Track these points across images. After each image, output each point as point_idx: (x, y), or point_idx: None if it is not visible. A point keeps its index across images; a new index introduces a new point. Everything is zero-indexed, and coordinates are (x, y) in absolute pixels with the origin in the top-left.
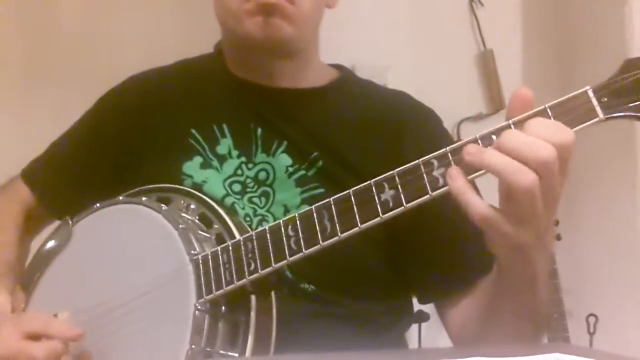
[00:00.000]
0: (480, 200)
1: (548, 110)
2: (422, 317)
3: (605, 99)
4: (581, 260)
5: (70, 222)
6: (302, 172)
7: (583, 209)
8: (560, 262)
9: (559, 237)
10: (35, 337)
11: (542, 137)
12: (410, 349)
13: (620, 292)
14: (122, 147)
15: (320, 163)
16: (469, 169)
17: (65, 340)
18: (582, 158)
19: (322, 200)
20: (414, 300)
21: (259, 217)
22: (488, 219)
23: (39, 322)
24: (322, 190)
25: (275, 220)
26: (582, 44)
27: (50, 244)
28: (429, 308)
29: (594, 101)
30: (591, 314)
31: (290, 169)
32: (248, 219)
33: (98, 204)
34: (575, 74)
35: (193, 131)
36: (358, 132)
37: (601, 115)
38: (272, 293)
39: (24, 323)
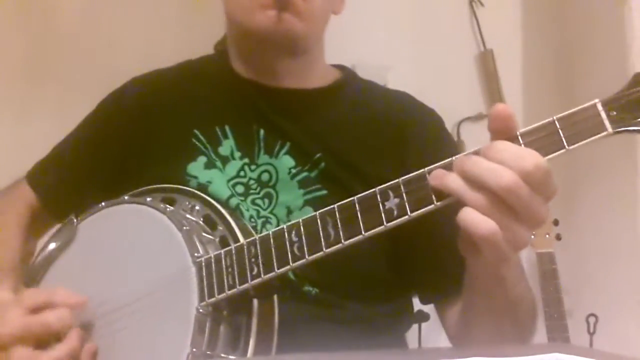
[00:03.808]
0: (487, 218)
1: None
2: (422, 317)
3: (615, 113)
4: (581, 260)
5: (75, 221)
6: (305, 173)
7: (583, 209)
8: (560, 262)
9: (559, 237)
10: (39, 310)
11: (503, 162)
12: (410, 349)
13: (620, 292)
14: (125, 149)
15: (323, 164)
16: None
17: (71, 307)
18: (582, 159)
19: (324, 202)
20: (414, 301)
21: (263, 219)
22: (496, 236)
23: (41, 294)
24: (325, 192)
25: (278, 221)
26: (582, 44)
27: (55, 242)
28: (429, 308)
29: (603, 114)
30: (591, 314)
31: (293, 170)
32: (252, 220)
33: (103, 203)
34: (575, 74)
35: (196, 132)
36: (361, 133)
37: (610, 129)
38: (275, 297)
39: (26, 299)
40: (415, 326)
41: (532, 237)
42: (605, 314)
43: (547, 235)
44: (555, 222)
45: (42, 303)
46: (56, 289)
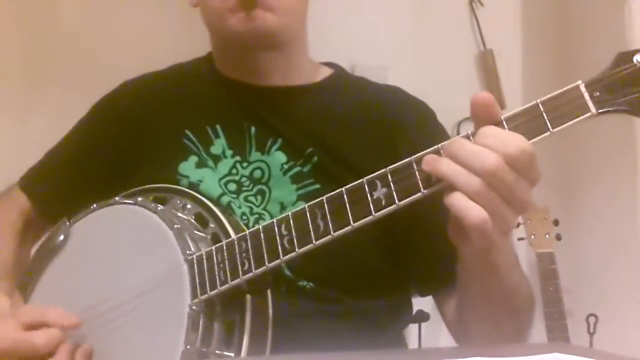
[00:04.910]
0: (478, 206)
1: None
2: (422, 317)
3: (598, 94)
4: (581, 260)
5: (68, 223)
6: (298, 168)
7: (583, 209)
8: (560, 262)
9: (559, 237)
10: (33, 327)
11: (488, 146)
12: (410, 349)
13: (620, 292)
14: (118, 152)
15: (316, 159)
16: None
17: (63, 328)
18: (582, 157)
19: (318, 197)
20: (414, 300)
21: (256, 216)
22: (487, 224)
23: (35, 312)
24: (318, 186)
25: (271, 218)
26: (582, 44)
27: (48, 245)
28: (429, 308)
29: (586, 96)
30: (591, 314)
31: (286, 166)
32: (245, 217)
33: (95, 205)
34: (575, 74)
35: (187, 132)
36: (352, 127)
37: (593, 110)
38: (268, 292)
39: (21, 315)
40: (415, 326)
41: (532, 237)
42: (605, 314)
43: (547, 235)
44: (555, 222)
45: (35, 321)
46: (52, 308)
